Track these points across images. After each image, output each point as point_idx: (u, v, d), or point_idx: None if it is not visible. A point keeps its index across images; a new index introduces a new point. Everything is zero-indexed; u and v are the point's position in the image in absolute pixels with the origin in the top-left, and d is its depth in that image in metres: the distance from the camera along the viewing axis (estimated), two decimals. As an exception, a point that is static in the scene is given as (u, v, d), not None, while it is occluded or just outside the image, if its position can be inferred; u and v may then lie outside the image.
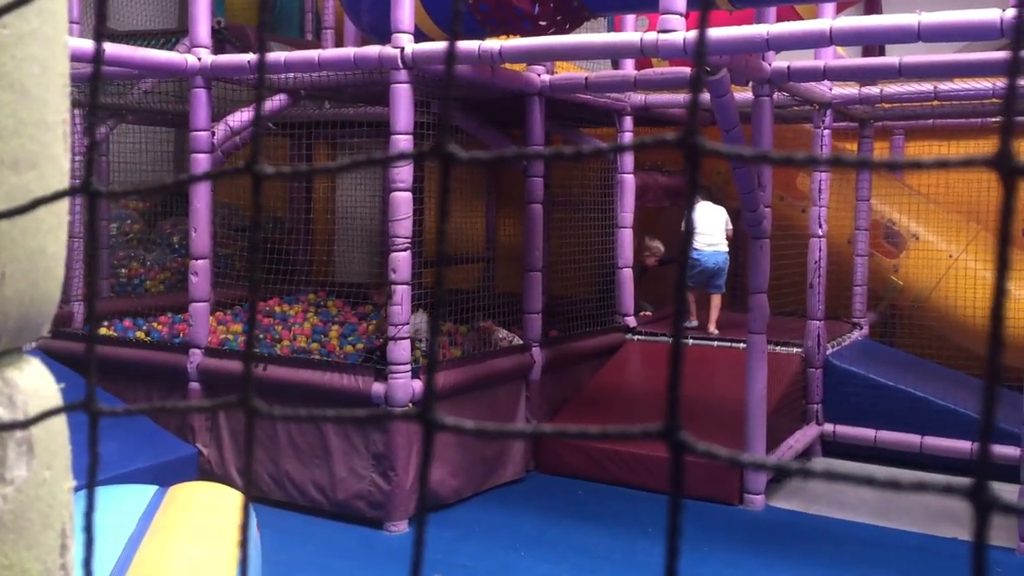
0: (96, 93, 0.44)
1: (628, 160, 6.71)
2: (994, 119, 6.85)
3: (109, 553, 2.76)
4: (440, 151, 0.37)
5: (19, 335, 0.59)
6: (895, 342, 7.16)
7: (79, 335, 5.95)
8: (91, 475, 0.41)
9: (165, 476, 4.71)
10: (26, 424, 0.49)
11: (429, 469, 0.37)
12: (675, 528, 0.34)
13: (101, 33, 0.43)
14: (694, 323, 6.81)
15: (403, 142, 4.73)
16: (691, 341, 6.43)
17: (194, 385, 5.36)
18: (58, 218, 0.62)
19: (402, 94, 4.72)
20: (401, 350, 4.75)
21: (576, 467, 5.67)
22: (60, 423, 0.60)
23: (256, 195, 0.37)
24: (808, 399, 6.20)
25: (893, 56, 5.44)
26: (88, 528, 0.41)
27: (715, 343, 6.35)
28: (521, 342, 5.77)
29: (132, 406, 0.45)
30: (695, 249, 6.68)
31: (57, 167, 0.61)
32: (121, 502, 3.23)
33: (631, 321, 6.76)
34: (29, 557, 0.56)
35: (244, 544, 0.42)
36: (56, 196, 0.47)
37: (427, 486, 0.37)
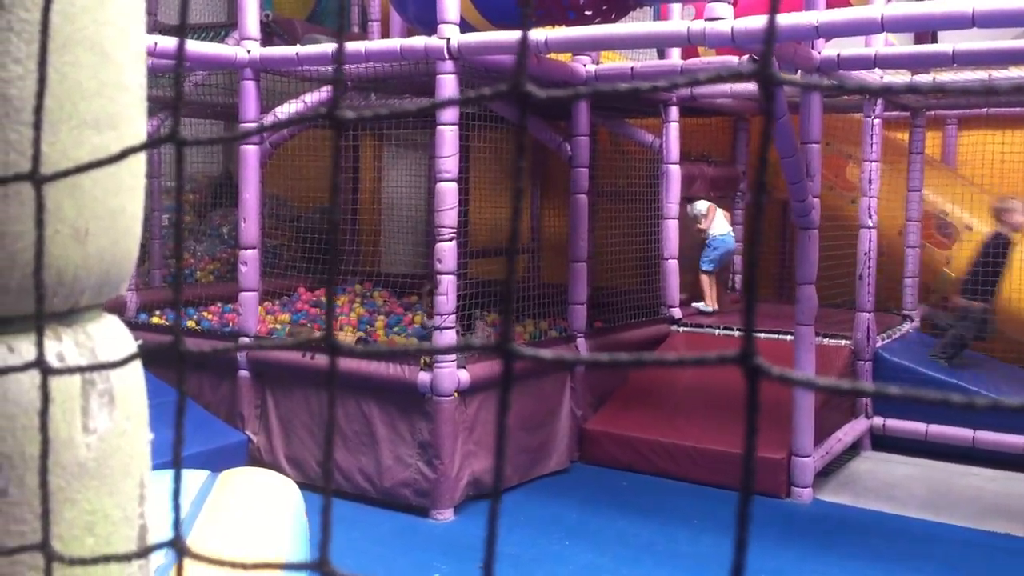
0: (181, 61, 0.46)
1: (674, 151, 6.67)
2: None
3: (163, 536, 2.82)
4: (518, 90, 0.38)
5: (100, 291, 0.62)
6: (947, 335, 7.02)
7: (134, 323, 6.07)
8: (179, 412, 0.43)
9: (215, 462, 4.79)
10: (114, 365, 0.51)
11: (509, 398, 0.37)
12: (750, 466, 0.34)
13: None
14: (711, 308, 6.91)
15: (448, 132, 4.75)
16: (737, 332, 6.38)
17: (243, 373, 5.44)
18: (136, 179, 0.64)
19: (448, 84, 4.74)
20: (446, 339, 4.78)
21: (620, 458, 5.66)
22: (138, 379, 0.62)
23: (337, 140, 0.38)
24: (857, 392, 6.12)
25: (946, 43, 5.33)
26: (176, 462, 0.42)
27: (762, 334, 6.29)
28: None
29: (221, 348, 0.47)
30: (720, 234, 6.80)
31: (135, 128, 0.63)
32: (172, 486, 3.30)
33: (676, 312, 6.73)
34: (111, 504, 0.59)
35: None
36: (145, 146, 0.48)
37: (506, 424, 0.38)
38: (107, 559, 0.52)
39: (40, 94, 0.47)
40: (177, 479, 0.44)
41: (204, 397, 5.61)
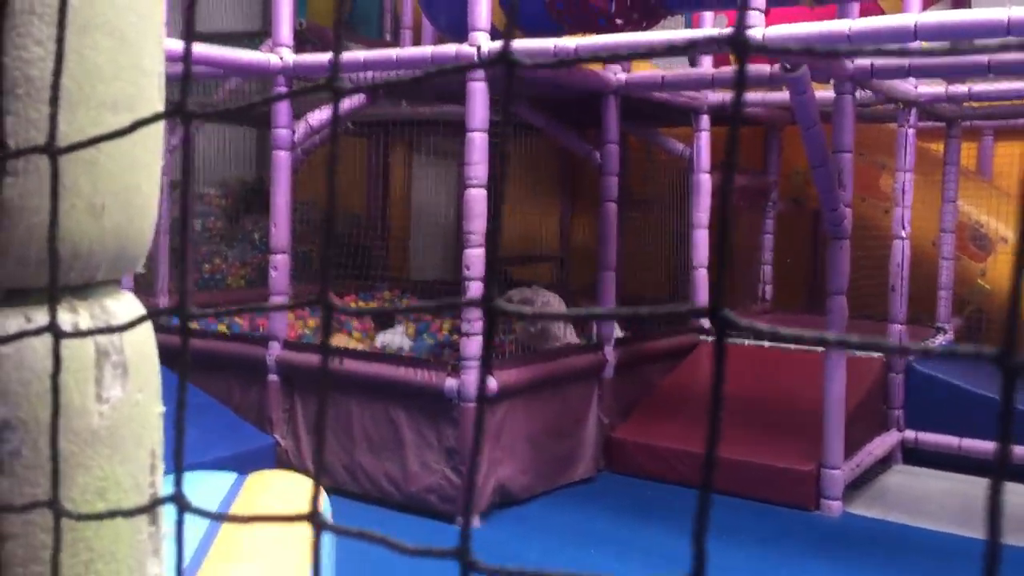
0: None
1: (704, 160, 6.65)
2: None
3: (190, 535, 2.85)
4: (506, 59, 0.39)
5: (115, 266, 0.64)
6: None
7: (167, 328, 6.14)
8: (182, 378, 0.44)
9: (243, 465, 4.83)
10: (120, 329, 0.53)
11: (491, 356, 0.38)
12: (715, 425, 0.35)
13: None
14: None
15: (478, 139, 4.78)
16: (767, 344, 6.33)
17: (272, 377, 5.49)
18: (152, 156, 0.67)
19: (478, 92, 4.76)
20: (473, 345, 4.79)
21: (646, 467, 5.63)
22: (151, 351, 0.64)
23: (336, 107, 0.39)
24: (889, 404, 6.05)
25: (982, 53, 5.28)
26: (178, 453, 0.44)
27: (792, 346, 6.24)
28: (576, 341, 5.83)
29: (222, 308, 0.48)
30: None
31: (152, 111, 0.65)
32: (202, 487, 3.33)
33: (705, 322, 6.69)
34: (123, 472, 0.61)
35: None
36: (154, 118, 0.50)
37: (488, 373, 0.39)
38: (112, 515, 0.53)
39: (57, 72, 0.49)
40: (179, 438, 0.45)
41: (233, 400, 5.66)
